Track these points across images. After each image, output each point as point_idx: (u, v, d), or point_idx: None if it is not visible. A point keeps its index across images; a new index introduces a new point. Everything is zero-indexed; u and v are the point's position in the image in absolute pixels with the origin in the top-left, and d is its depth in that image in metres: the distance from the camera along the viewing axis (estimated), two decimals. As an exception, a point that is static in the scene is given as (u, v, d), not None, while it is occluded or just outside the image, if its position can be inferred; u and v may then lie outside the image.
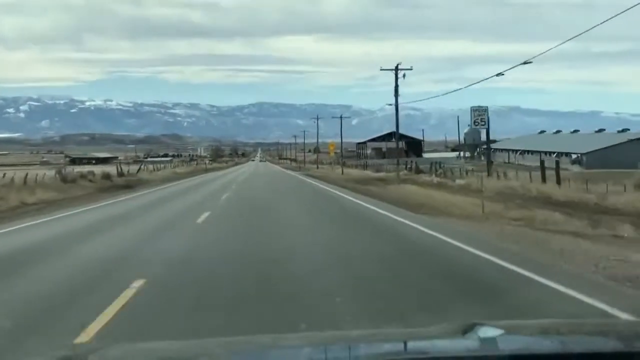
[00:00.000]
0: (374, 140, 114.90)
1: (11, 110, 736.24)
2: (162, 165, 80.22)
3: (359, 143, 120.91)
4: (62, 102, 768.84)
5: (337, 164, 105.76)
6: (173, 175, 58.90)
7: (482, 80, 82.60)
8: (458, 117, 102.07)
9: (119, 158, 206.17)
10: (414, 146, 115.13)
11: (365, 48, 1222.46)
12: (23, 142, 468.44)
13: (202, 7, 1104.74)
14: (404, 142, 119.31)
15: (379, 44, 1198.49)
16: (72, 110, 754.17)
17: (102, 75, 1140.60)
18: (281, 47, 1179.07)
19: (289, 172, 75.29)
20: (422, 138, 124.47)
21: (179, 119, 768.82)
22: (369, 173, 57.12)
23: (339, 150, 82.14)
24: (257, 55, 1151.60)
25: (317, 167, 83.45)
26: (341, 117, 65.48)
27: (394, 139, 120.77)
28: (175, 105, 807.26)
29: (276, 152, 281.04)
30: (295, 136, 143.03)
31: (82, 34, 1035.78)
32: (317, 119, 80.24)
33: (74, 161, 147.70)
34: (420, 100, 65.85)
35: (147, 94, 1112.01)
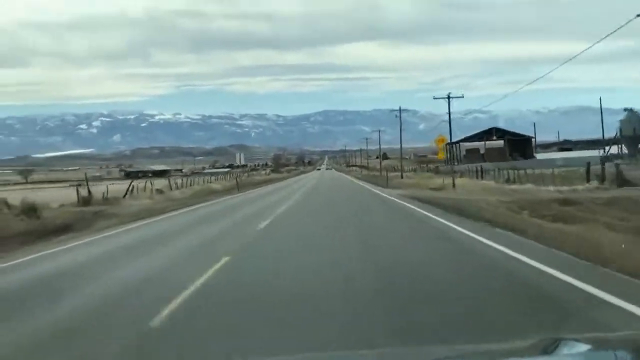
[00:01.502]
0: (468, 139, 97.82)
1: (84, 126, 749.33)
2: (191, 180, 64.58)
3: (447, 144, 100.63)
4: (132, 117, 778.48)
5: (420, 170, 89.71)
6: (185, 198, 39.96)
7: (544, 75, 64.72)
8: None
9: (183, 170, 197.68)
10: (520, 146, 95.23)
11: (428, 52, 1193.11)
12: (95, 157, 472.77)
13: (264, 18, 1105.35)
14: (505, 141, 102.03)
15: (442, 48, 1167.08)
16: (143, 125, 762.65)
17: (171, 89, 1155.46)
18: (344, 54, 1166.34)
19: (369, 187, 52.22)
20: (532, 135, 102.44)
21: (246, 129, 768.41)
22: (496, 185, 38.89)
23: (432, 156, 67.07)
24: (321, 63, 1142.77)
25: (402, 177, 67.96)
26: (449, 97, 47.15)
27: (495, 137, 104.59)
28: (242, 116, 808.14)
29: (343, 160, 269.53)
30: (367, 139, 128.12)
31: (149, 49, 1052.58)
32: (400, 111, 64.78)
33: (129, 175, 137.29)
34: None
35: (214, 106, 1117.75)
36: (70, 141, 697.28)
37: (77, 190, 32.18)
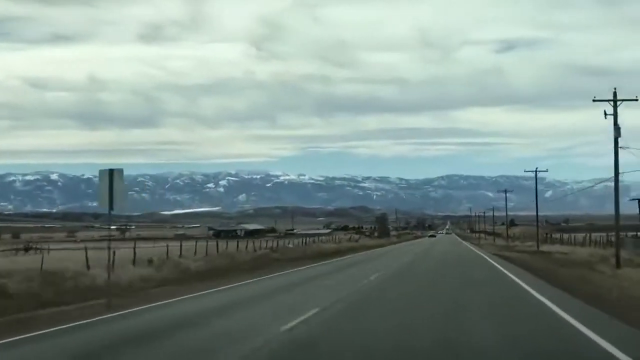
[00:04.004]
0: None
1: (211, 185, 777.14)
2: (238, 245, 50.10)
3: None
4: (258, 177, 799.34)
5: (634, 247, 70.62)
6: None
7: None
8: None
9: (294, 231, 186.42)
10: None
11: (556, 118, 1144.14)
12: (220, 216, 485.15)
13: (389, 83, 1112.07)
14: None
15: (571, 114, 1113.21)
16: (267, 185, 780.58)
17: (296, 151, 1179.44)
18: (469, 119, 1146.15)
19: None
20: None
21: (368, 192, 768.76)
22: None
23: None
24: (445, 128, 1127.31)
25: (619, 265, 36.59)
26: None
27: None
28: (365, 179, 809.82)
29: (467, 225, 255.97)
30: (506, 193, 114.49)
31: (275, 111, 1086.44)
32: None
33: (219, 234, 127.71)
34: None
35: (338, 168, 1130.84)
36: (198, 199, 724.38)
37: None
